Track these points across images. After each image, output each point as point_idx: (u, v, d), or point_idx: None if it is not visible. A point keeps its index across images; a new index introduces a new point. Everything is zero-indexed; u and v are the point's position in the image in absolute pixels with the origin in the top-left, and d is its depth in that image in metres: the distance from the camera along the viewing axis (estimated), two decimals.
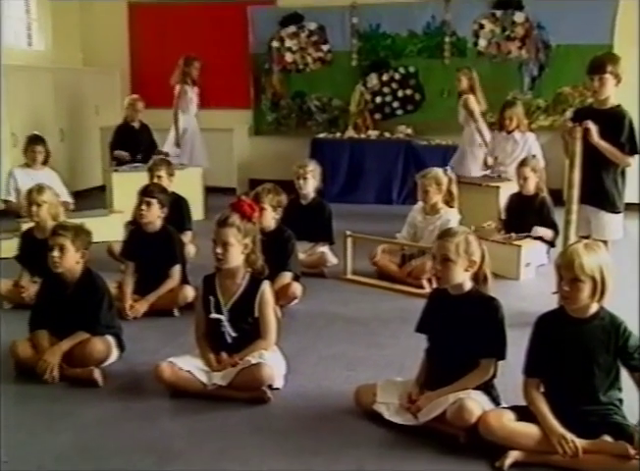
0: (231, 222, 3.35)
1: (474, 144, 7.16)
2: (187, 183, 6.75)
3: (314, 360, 3.80)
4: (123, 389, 3.46)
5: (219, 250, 3.34)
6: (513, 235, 5.46)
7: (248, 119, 9.26)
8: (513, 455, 2.69)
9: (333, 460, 2.80)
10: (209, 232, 3.45)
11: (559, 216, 4.36)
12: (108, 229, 5.77)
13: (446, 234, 3.01)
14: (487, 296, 3.01)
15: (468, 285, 3.00)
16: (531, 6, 8.29)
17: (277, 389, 3.37)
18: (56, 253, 3.58)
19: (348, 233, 5.29)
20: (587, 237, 3.85)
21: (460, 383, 2.94)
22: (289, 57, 9.10)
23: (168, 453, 2.86)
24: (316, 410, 3.21)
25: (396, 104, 8.89)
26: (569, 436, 2.65)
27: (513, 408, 2.83)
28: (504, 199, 5.89)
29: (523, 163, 5.66)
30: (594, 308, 2.72)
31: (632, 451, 2.57)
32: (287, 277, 4.56)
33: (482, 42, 8.52)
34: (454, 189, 5.30)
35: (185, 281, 4.61)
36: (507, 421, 2.75)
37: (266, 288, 3.42)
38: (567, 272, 2.65)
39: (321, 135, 8.83)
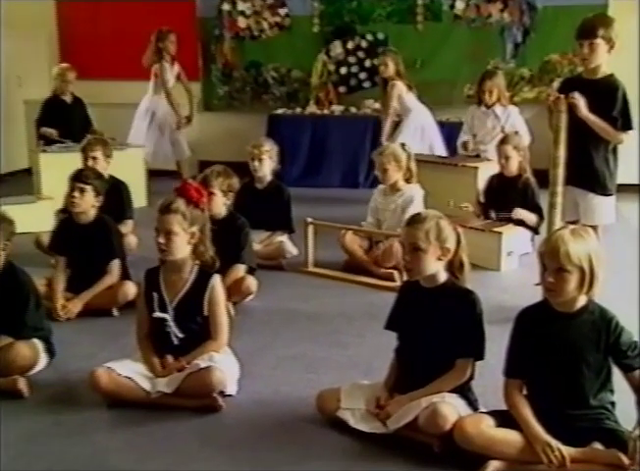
0: (175, 208, 3.34)
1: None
2: (127, 166, 6.70)
3: (271, 362, 3.81)
4: (53, 400, 3.43)
5: (162, 240, 3.34)
6: (493, 214, 5.52)
7: (197, 92, 9.20)
8: (493, 465, 2.71)
9: None
10: (152, 220, 3.44)
11: (545, 200, 4.40)
12: (35, 217, 5.74)
13: (414, 220, 3.03)
14: (463, 289, 3.03)
15: (443, 276, 3.03)
16: None
17: (229, 395, 3.38)
18: None
19: (310, 220, 5.30)
20: (575, 223, 3.89)
21: (434, 385, 2.96)
22: (242, 22, 9.04)
23: None
24: (274, 418, 3.22)
25: (363, 75, 8.88)
26: (555, 443, 2.67)
27: (493, 413, 2.86)
28: (482, 181, 5.94)
29: (505, 140, 5.71)
30: (582, 301, 2.74)
31: (626, 461, 2.58)
32: (240, 270, 4.57)
33: (459, 4, 8.53)
34: (413, 166, 5.38)
35: (125, 276, 4.60)
36: (486, 427, 2.77)
37: (216, 283, 3.43)
38: (552, 261, 2.66)
39: (279, 111, 8.81)
